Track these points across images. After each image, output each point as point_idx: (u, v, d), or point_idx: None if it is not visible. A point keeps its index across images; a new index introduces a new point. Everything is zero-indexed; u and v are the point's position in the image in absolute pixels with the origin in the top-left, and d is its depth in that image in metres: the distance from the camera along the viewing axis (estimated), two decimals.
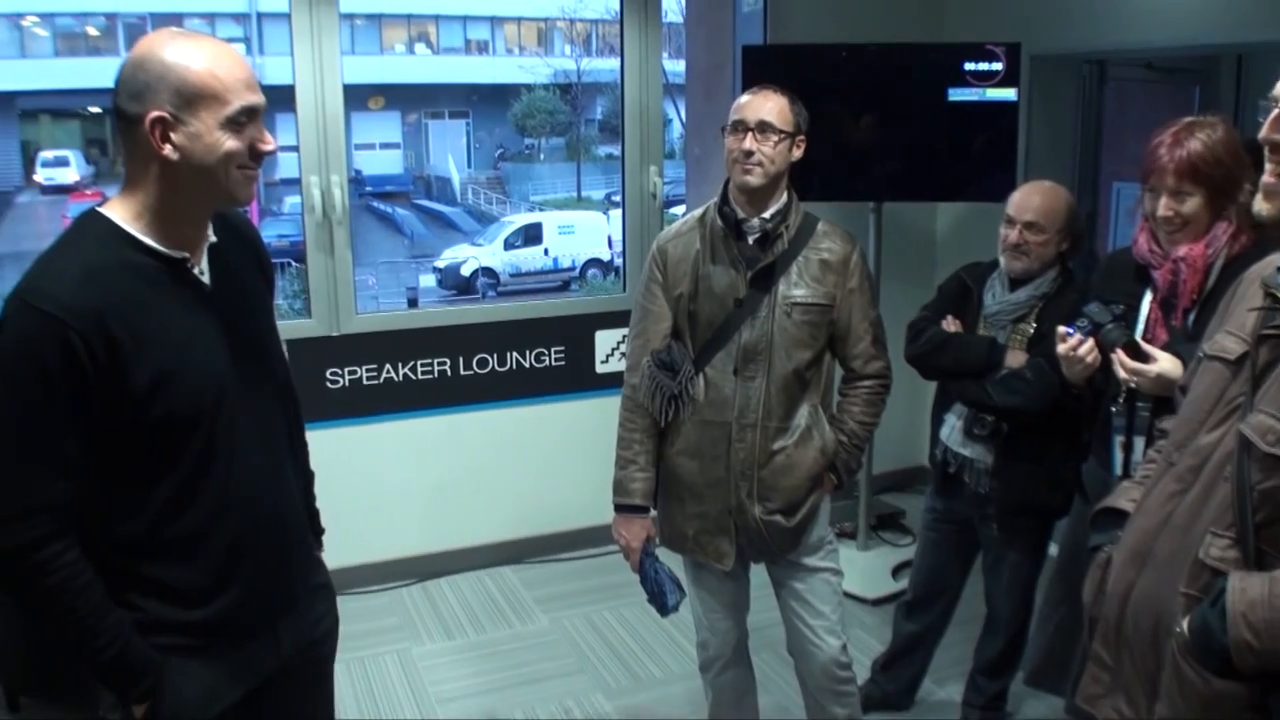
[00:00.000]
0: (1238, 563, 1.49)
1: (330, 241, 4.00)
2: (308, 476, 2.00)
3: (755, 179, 2.41)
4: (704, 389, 2.50)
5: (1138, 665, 1.63)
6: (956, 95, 3.96)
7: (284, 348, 1.88)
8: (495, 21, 26.82)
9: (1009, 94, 3.95)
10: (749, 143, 2.40)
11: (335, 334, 4.06)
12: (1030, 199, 2.75)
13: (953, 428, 2.87)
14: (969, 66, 3.94)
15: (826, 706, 2.71)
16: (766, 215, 2.46)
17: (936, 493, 3.03)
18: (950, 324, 2.88)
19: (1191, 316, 2.24)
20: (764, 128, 2.40)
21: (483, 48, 26.99)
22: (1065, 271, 2.79)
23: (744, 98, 2.47)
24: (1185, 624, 1.51)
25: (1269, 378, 1.52)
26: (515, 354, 4.34)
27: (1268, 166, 1.52)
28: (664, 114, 4.42)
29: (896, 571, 4.18)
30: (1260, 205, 1.54)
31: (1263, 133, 1.52)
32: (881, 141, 4.05)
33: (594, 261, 17.82)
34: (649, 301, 2.58)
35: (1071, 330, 2.30)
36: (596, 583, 4.24)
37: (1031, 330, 2.75)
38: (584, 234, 18.05)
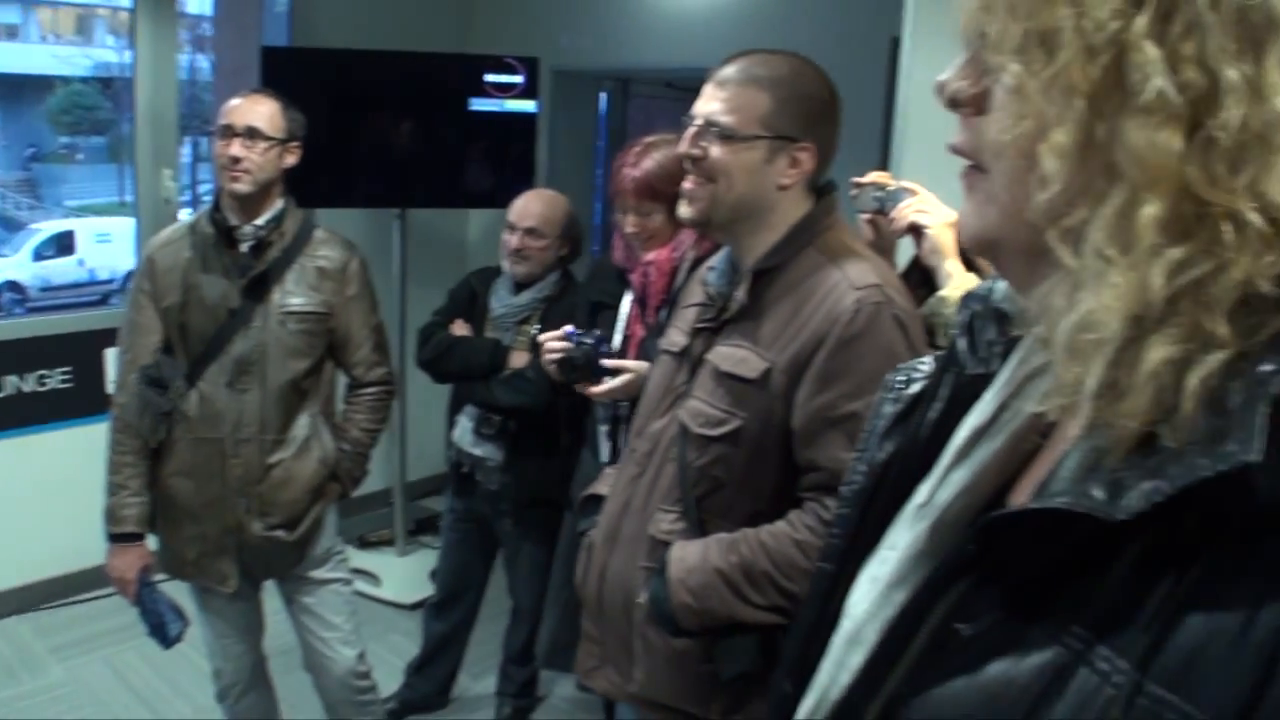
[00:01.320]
0: (684, 534, 1.66)
1: None
2: None
3: (243, 186, 2.33)
4: (197, 404, 2.37)
5: (617, 637, 1.76)
6: (478, 105, 4.07)
7: None
8: (26, 4, 23.90)
9: (529, 106, 4.13)
10: (236, 148, 2.32)
11: None
12: (530, 206, 2.88)
13: (464, 429, 2.95)
14: (490, 78, 4.07)
15: (349, 719, 2.68)
16: (259, 222, 2.39)
17: (454, 493, 3.11)
18: (459, 328, 2.95)
19: (664, 314, 2.46)
20: (252, 133, 2.33)
21: (12, 33, 23.95)
22: (566, 275, 2.95)
23: (233, 101, 2.39)
24: (643, 595, 1.66)
25: (702, 367, 1.70)
26: (11, 378, 3.88)
27: (687, 176, 1.69)
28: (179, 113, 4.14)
29: (435, 574, 4.24)
30: (683, 210, 1.71)
31: (681, 147, 1.69)
32: (408, 149, 4.08)
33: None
34: (136, 313, 2.42)
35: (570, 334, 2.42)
36: (118, 622, 3.88)
37: (535, 331, 2.89)
38: (125, 242, 16.56)
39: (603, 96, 5.15)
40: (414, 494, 4.66)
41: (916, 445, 0.77)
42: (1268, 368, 0.51)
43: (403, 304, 4.13)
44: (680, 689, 1.68)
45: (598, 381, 2.27)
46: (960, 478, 0.69)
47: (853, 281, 1.58)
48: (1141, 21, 0.52)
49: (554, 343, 2.32)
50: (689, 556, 1.61)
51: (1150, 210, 0.52)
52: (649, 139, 2.45)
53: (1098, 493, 0.54)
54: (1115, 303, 0.53)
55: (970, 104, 0.63)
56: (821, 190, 1.69)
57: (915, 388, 0.81)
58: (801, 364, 1.58)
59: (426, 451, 4.62)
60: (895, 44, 2.98)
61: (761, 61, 1.65)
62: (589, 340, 2.30)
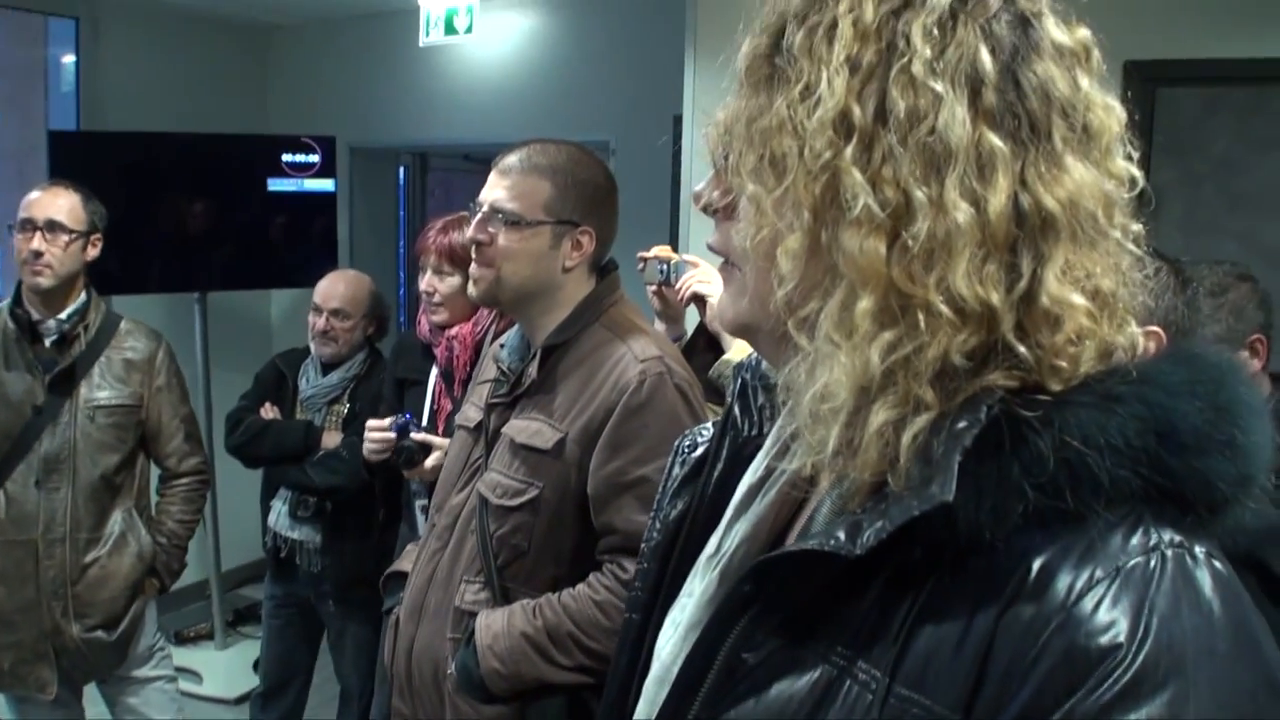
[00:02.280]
0: (489, 603, 1.71)
1: None
2: None
3: (46, 280, 2.30)
4: (4, 506, 2.30)
5: (429, 710, 1.79)
6: (276, 185, 4.07)
7: None
8: None
9: (327, 184, 4.16)
10: (37, 243, 2.29)
11: None
12: (335, 287, 2.92)
13: (279, 512, 2.94)
14: (287, 158, 4.08)
15: None
16: (63, 316, 2.35)
17: (273, 579, 3.07)
18: (268, 411, 2.95)
19: (469, 387, 2.54)
20: (53, 227, 2.31)
21: None
22: (374, 353, 3.00)
23: (33, 194, 2.36)
24: (452, 665, 1.71)
25: (499, 441, 1.78)
26: None
27: (473, 260, 1.79)
28: None
29: (258, 665, 4.13)
30: (470, 290, 1.80)
31: (469, 233, 1.78)
32: (206, 231, 4.03)
33: None
34: None
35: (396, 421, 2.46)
36: None
37: (345, 410, 2.92)
38: None
39: (401, 171, 5.21)
40: (230, 584, 4.53)
41: (704, 502, 0.87)
42: (961, 424, 0.62)
43: (207, 389, 4.05)
44: None
45: (416, 463, 2.33)
46: (741, 529, 0.80)
47: (636, 354, 1.69)
48: (849, 151, 0.63)
49: (377, 434, 2.36)
50: (494, 624, 1.67)
51: (864, 304, 0.63)
52: (463, 213, 2.55)
53: (841, 534, 0.64)
54: (844, 378, 0.64)
55: (721, 212, 0.76)
56: (604, 270, 1.81)
57: (700, 450, 0.91)
58: (593, 433, 1.67)
59: (240, 539, 4.50)
60: (678, 122, 3.19)
61: (541, 150, 1.75)
62: (411, 427, 2.36)
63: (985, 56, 0.63)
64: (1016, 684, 0.59)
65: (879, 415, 0.64)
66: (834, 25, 0.66)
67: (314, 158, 4.12)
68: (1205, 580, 0.59)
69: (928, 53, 0.63)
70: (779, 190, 0.66)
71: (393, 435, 2.33)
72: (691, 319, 2.12)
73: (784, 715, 0.66)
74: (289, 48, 4.82)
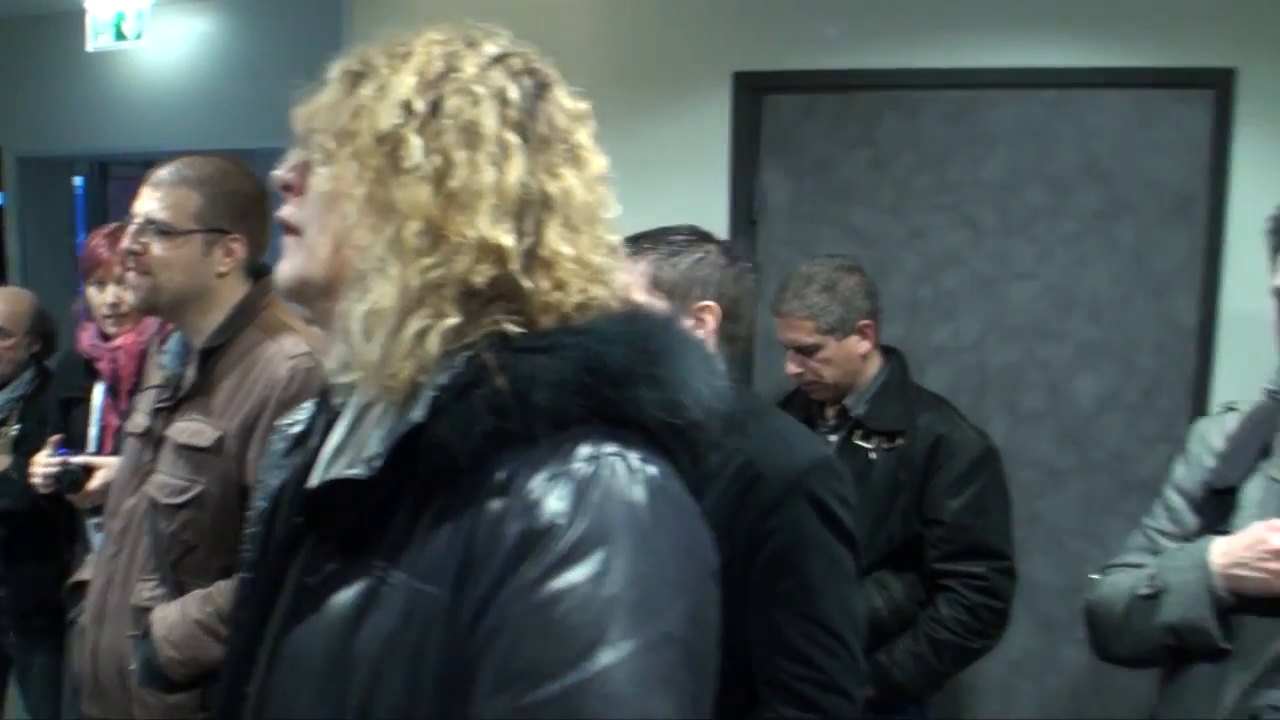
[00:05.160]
0: (165, 598, 1.80)
1: None
2: None
3: None
4: None
5: (119, 709, 1.83)
6: None
7: None
8: None
9: None
10: None
11: None
12: None
13: None
14: None
15: None
16: None
17: None
18: None
19: (136, 399, 2.56)
20: None
21: None
22: (42, 371, 2.92)
23: None
24: (134, 662, 1.78)
25: (164, 443, 1.86)
26: None
27: (131, 269, 1.85)
28: None
29: None
30: (128, 298, 1.88)
31: (124, 243, 1.85)
32: None
33: None
34: None
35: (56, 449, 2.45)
36: None
37: (14, 432, 2.84)
38: None
39: (78, 181, 5.00)
40: None
41: (303, 471, 0.99)
42: (445, 368, 0.81)
43: None
44: None
45: (81, 485, 2.35)
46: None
47: (287, 351, 1.82)
48: (411, 125, 0.84)
49: (44, 468, 2.36)
50: (169, 615, 1.76)
51: (410, 231, 0.82)
52: (120, 223, 2.54)
53: (362, 462, 0.83)
54: (390, 289, 0.82)
55: (295, 189, 0.92)
56: (259, 274, 1.91)
57: (299, 428, 1.04)
58: (249, 427, 1.78)
59: None
60: None
61: (190, 164, 1.87)
62: (67, 453, 2.35)
63: (513, 89, 0.87)
64: (488, 562, 0.76)
65: (414, 324, 0.82)
66: (409, 53, 0.88)
67: None
68: (636, 477, 0.78)
69: (475, 74, 0.87)
70: (351, 150, 0.86)
71: (55, 466, 2.34)
72: None
73: (337, 622, 0.82)
74: None
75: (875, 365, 2.39)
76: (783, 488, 1.53)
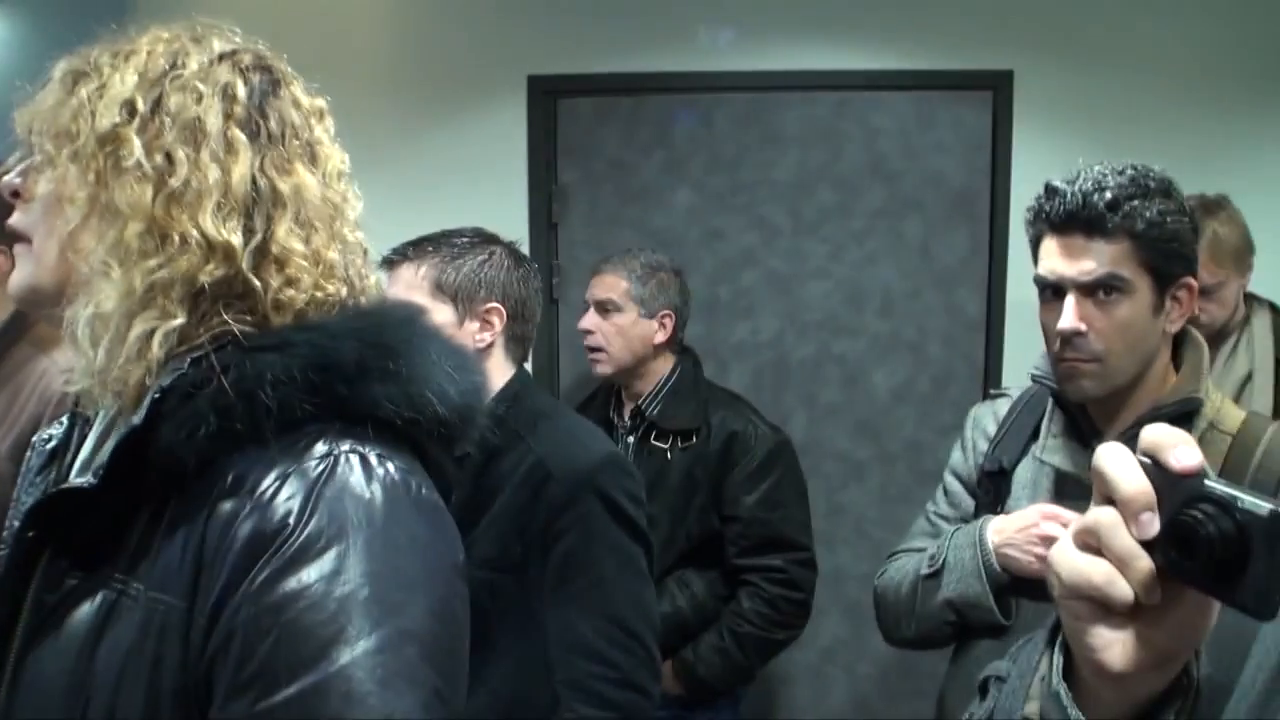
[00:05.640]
0: None
1: None
2: None
3: None
4: None
5: None
6: None
7: None
8: None
9: None
10: None
11: None
12: None
13: None
14: None
15: None
16: None
17: None
18: None
19: None
20: None
21: None
22: None
23: None
24: None
25: None
26: None
27: None
28: None
29: None
30: None
31: None
32: None
33: None
34: None
35: None
36: None
37: None
38: None
39: None
40: None
41: (59, 484, 0.93)
42: (169, 372, 0.79)
43: None
44: None
45: None
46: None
47: (59, 364, 1.75)
48: (133, 124, 0.82)
49: None
50: None
51: (131, 232, 0.80)
52: None
53: (90, 471, 0.79)
54: (113, 292, 0.79)
55: (23, 195, 0.88)
56: None
57: (54, 443, 0.99)
58: (24, 445, 1.71)
59: None
60: None
61: None
62: None
63: (240, 85, 0.86)
64: (219, 566, 0.74)
65: (139, 327, 0.80)
66: (133, 51, 0.86)
67: None
68: (370, 474, 0.78)
69: (198, 71, 0.85)
70: (70, 150, 0.83)
71: None
72: None
73: (77, 641, 0.78)
74: None
75: (668, 365, 2.42)
76: (573, 486, 1.55)
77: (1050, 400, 1.57)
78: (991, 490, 1.64)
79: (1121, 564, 0.55)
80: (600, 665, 1.52)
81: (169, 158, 0.82)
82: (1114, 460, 0.56)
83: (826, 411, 3.00)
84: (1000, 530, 1.52)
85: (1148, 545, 0.55)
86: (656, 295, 2.39)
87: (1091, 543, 0.57)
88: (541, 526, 1.54)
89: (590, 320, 2.42)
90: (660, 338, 2.39)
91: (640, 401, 2.40)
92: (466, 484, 1.51)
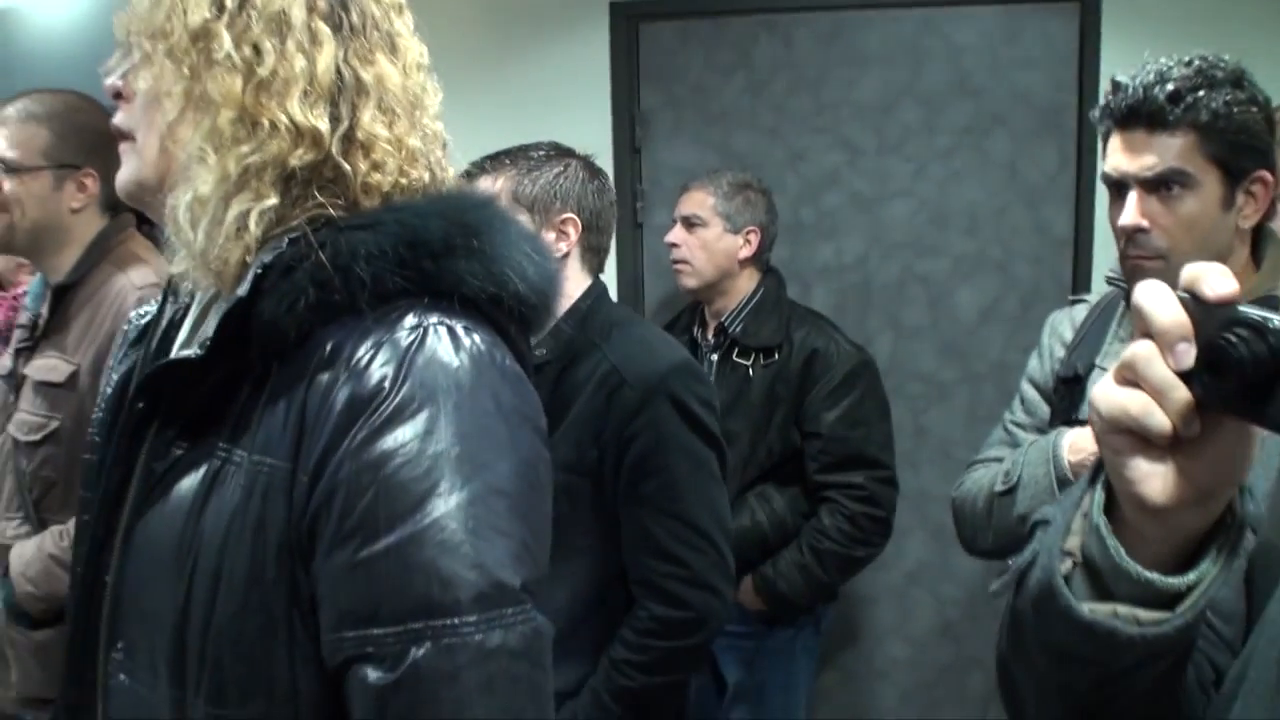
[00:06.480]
0: (29, 536, 1.80)
1: None
2: None
3: None
4: None
5: None
6: None
7: None
8: None
9: None
10: None
11: None
12: None
13: None
14: None
15: None
16: None
17: None
18: None
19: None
20: None
21: None
22: None
23: None
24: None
25: (25, 382, 1.84)
26: None
27: None
28: None
29: None
30: None
31: None
32: None
33: None
34: None
35: None
36: None
37: None
38: None
39: None
40: None
41: (148, 360, 1.00)
42: (269, 248, 0.84)
43: None
44: (52, 680, 1.85)
45: None
46: None
47: (134, 283, 1.83)
48: (221, 20, 0.86)
49: None
50: (26, 551, 1.77)
51: (225, 123, 0.84)
52: None
53: (196, 343, 0.85)
54: (210, 177, 0.84)
55: (125, 96, 0.93)
56: (116, 209, 1.90)
57: (146, 320, 1.05)
58: (103, 360, 1.76)
59: None
60: None
61: (38, 99, 1.84)
62: None
63: None
64: (320, 429, 0.79)
65: (235, 208, 0.84)
66: None
67: None
68: (458, 343, 0.82)
69: None
70: (166, 49, 0.87)
71: None
72: None
73: (184, 503, 0.84)
74: None
75: (752, 282, 2.44)
76: (645, 391, 1.58)
77: (1122, 304, 1.55)
78: (1066, 397, 1.63)
79: (1159, 395, 0.57)
80: (672, 565, 1.57)
81: (256, 49, 0.85)
82: (1151, 295, 0.58)
83: (911, 333, 2.99)
84: (1073, 445, 1.50)
85: (1185, 378, 0.56)
86: (742, 211, 2.42)
87: (1130, 377, 0.58)
88: (615, 431, 1.58)
89: (677, 234, 2.46)
90: (745, 253, 2.41)
91: (723, 319, 2.42)
92: (544, 390, 1.57)
